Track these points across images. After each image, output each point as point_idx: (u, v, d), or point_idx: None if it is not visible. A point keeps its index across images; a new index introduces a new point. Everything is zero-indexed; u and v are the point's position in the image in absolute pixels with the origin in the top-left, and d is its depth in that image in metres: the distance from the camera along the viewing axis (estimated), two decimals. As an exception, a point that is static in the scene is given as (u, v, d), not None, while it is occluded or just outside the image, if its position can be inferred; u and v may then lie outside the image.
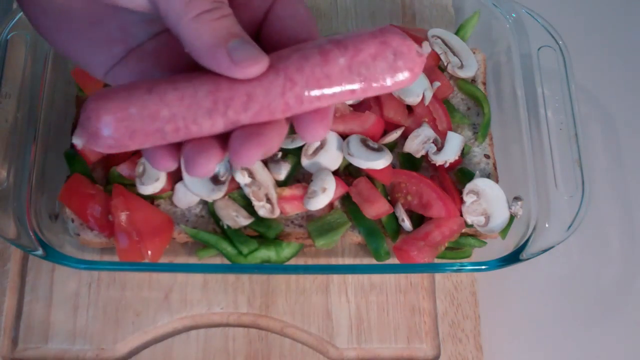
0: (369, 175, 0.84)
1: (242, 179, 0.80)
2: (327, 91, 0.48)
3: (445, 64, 0.92)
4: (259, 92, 0.48)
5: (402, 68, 0.49)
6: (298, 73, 0.48)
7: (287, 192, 0.82)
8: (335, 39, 0.49)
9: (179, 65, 0.52)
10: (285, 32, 0.52)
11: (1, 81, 0.83)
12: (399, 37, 0.49)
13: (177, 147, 0.51)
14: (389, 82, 0.49)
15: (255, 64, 0.47)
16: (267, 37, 0.52)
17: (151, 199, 0.84)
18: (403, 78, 0.49)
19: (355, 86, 0.49)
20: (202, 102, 0.48)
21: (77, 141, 0.49)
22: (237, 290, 0.87)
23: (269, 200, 0.81)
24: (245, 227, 0.82)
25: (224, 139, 0.50)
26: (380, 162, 0.82)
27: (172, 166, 0.51)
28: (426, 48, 0.49)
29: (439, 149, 0.86)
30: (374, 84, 0.49)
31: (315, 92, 0.48)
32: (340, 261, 0.89)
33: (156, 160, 0.51)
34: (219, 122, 0.48)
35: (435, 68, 0.92)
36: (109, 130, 0.48)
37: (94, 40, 0.52)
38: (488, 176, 0.88)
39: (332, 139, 0.85)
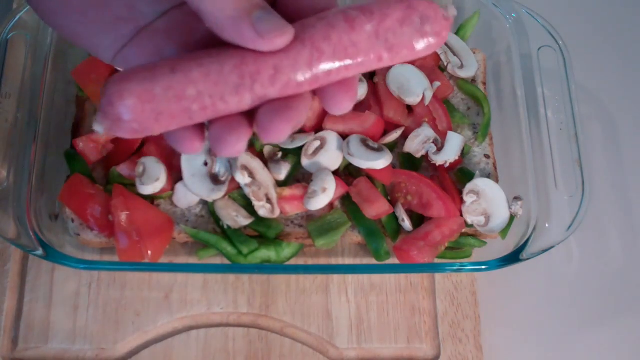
0: (369, 175, 0.84)
1: (242, 179, 0.80)
2: (355, 59, 0.47)
3: (446, 64, 0.92)
4: (286, 63, 0.46)
5: (429, 32, 0.47)
6: (325, 42, 0.46)
7: (287, 192, 0.82)
8: (359, 6, 0.48)
9: (192, 42, 0.50)
10: (302, 1, 0.50)
11: (1, 81, 0.83)
12: (425, 1, 0.48)
13: (201, 128, 0.49)
14: (417, 47, 0.48)
15: (282, 35, 0.46)
16: (284, 8, 0.50)
17: (151, 199, 0.84)
18: (430, 43, 0.48)
19: (383, 53, 0.47)
20: (229, 77, 0.46)
21: (98, 128, 0.46)
22: (237, 290, 0.87)
23: (269, 200, 0.81)
24: (245, 227, 0.82)
25: (250, 115, 0.48)
26: (380, 162, 0.82)
27: (199, 147, 0.50)
28: (452, 11, 0.48)
29: (439, 149, 0.86)
30: (402, 50, 0.48)
31: (343, 61, 0.47)
32: (340, 261, 0.89)
33: (182, 143, 0.49)
34: (246, 97, 0.47)
35: (435, 68, 0.92)
36: (133, 113, 0.46)
37: (101, 22, 0.50)
38: (488, 176, 0.88)
39: (332, 139, 0.85)
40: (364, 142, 0.84)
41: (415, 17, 0.47)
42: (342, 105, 0.49)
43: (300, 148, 0.84)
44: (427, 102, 0.87)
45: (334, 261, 0.89)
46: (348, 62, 0.47)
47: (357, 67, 0.48)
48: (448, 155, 0.85)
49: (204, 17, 0.46)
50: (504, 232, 0.84)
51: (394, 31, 0.47)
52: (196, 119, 0.47)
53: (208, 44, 0.48)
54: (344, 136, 0.85)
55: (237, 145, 0.48)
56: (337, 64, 0.47)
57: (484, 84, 0.95)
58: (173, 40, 0.50)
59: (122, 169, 0.83)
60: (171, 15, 0.51)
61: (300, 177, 0.86)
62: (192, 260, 0.87)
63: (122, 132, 0.47)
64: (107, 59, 0.52)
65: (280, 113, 0.47)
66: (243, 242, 0.82)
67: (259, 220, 0.82)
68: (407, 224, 0.83)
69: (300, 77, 0.47)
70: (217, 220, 0.83)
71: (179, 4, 0.48)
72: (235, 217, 0.81)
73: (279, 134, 0.47)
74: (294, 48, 0.46)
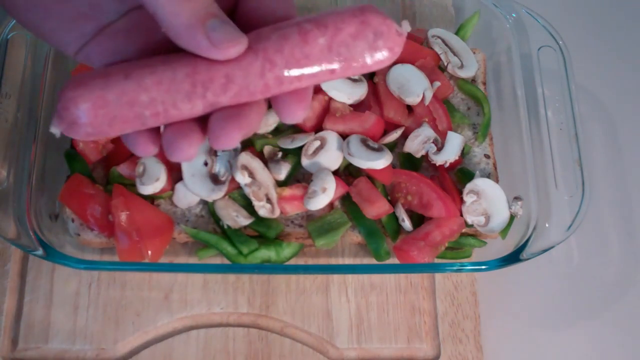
0: (369, 175, 0.84)
1: (242, 179, 0.80)
2: (307, 71, 0.48)
3: (445, 64, 0.92)
4: (238, 73, 0.47)
5: (381, 47, 0.48)
6: (277, 54, 0.47)
7: (287, 192, 0.82)
8: (315, 18, 0.49)
9: (152, 43, 0.51)
10: (262, 10, 0.51)
11: (1, 81, 0.83)
12: (379, 17, 0.48)
13: (157, 132, 0.51)
14: (368, 61, 0.49)
15: (235, 45, 0.46)
16: (243, 16, 0.51)
17: (151, 199, 0.84)
18: (383, 57, 0.49)
19: (335, 66, 0.48)
20: (181, 85, 0.47)
21: (55, 130, 0.48)
22: (237, 290, 0.87)
23: (269, 200, 0.81)
24: (245, 227, 0.82)
25: (203, 121, 0.49)
26: (380, 162, 0.82)
27: (153, 151, 0.51)
28: (406, 27, 0.49)
29: (439, 149, 0.86)
30: (354, 64, 0.49)
31: (295, 73, 0.48)
32: (340, 261, 0.89)
33: (137, 145, 0.51)
34: (198, 104, 0.48)
35: (435, 68, 0.92)
36: (87, 118, 0.47)
37: (64, 18, 0.51)
38: (488, 176, 0.88)
39: (332, 139, 0.85)
40: (364, 142, 0.84)
41: (369, 32, 0.48)
42: (295, 115, 0.50)
43: (300, 148, 0.84)
44: (427, 102, 0.87)
45: (334, 261, 0.89)
46: (300, 73, 0.48)
47: (309, 78, 0.49)
48: (448, 155, 0.85)
49: (160, 22, 0.47)
50: (504, 232, 0.84)
51: (346, 45, 0.48)
52: (149, 124, 0.48)
53: (168, 46, 0.49)
54: (344, 136, 0.85)
55: (188, 151, 0.49)
56: (288, 76, 0.48)
57: (484, 84, 0.95)
58: (133, 40, 0.51)
59: (122, 169, 0.83)
60: (132, 15, 0.51)
61: (300, 177, 0.86)
62: (192, 260, 0.87)
63: (77, 135, 0.48)
64: (69, 54, 0.52)
65: (230, 120, 0.48)
66: (243, 242, 0.82)
67: (259, 220, 0.82)
68: (407, 224, 0.83)
69: (252, 87, 0.48)
70: (217, 220, 0.83)
71: (140, 5, 0.48)
72: (235, 217, 0.81)
73: (229, 141, 0.48)
74: (246, 58, 0.47)
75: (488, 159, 0.90)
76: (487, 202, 0.84)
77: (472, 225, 0.84)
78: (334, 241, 0.84)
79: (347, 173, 0.86)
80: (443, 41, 0.93)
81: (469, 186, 0.84)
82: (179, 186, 0.83)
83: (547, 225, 0.82)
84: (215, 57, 0.47)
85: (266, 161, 0.84)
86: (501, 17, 0.93)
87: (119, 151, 0.85)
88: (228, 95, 0.48)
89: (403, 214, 0.83)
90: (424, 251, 0.80)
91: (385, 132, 0.87)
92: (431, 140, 0.85)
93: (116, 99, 0.47)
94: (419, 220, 0.85)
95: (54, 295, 0.86)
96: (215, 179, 0.82)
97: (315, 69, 0.48)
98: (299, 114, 0.50)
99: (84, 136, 0.48)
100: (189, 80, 0.47)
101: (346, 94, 0.86)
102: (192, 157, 0.49)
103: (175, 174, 0.83)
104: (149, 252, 0.80)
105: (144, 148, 0.51)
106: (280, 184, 0.83)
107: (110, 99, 0.47)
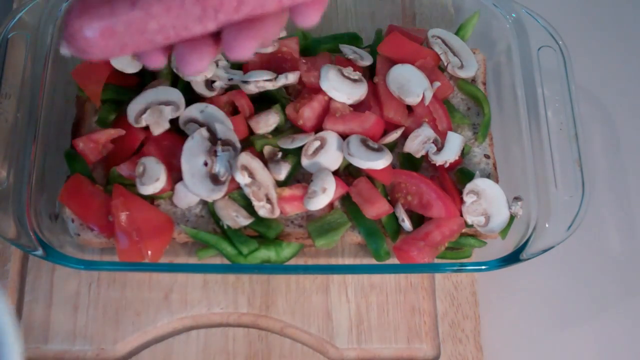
0: (369, 175, 0.84)
1: (242, 179, 0.80)
2: None
3: (445, 64, 0.92)
4: None
5: None
6: None
7: (287, 192, 0.82)
8: None
9: None
10: None
11: (1, 81, 0.83)
12: None
13: (168, 45, 0.50)
14: None
15: None
16: None
17: (151, 199, 0.84)
18: None
19: None
20: (191, 10, 0.46)
21: (65, 52, 0.48)
22: (237, 290, 0.87)
23: (269, 200, 0.81)
24: (245, 227, 0.82)
25: (217, 35, 0.49)
26: (380, 162, 0.82)
27: (163, 62, 0.51)
28: None
29: (439, 149, 0.86)
30: None
31: None
32: (340, 261, 0.89)
33: (147, 57, 0.50)
34: (210, 25, 0.47)
35: (435, 68, 0.92)
36: (96, 46, 0.47)
37: None
38: (488, 176, 0.88)
39: (332, 139, 0.85)
40: (364, 142, 0.84)
41: None
42: (311, 19, 0.49)
43: (300, 148, 0.84)
44: (427, 102, 0.87)
45: (334, 261, 0.89)
46: None
47: None
48: (448, 155, 0.85)
49: None
50: (504, 232, 0.84)
51: None
52: (160, 44, 0.48)
53: None
54: (344, 136, 0.85)
55: (200, 64, 0.48)
56: None
57: (484, 84, 0.95)
58: None
59: (122, 169, 0.83)
60: None
61: (300, 177, 0.86)
62: (192, 260, 0.87)
63: (87, 57, 0.48)
64: None
65: (244, 30, 0.47)
66: (243, 242, 0.82)
67: (259, 220, 0.82)
68: (407, 224, 0.83)
69: (267, 6, 0.47)
70: (217, 220, 0.83)
71: None
72: (235, 217, 0.81)
73: (244, 50, 0.47)
74: None
75: (488, 159, 0.90)
76: (487, 202, 0.84)
77: (472, 226, 0.84)
78: (334, 241, 0.84)
79: (347, 173, 0.86)
80: (443, 41, 0.93)
81: (469, 186, 0.84)
82: (179, 186, 0.83)
83: (547, 225, 0.82)
84: None
85: (266, 161, 0.84)
86: (501, 17, 0.93)
87: (119, 151, 0.85)
88: (241, 14, 0.47)
89: (403, 214, 0.83)
90: (424, 251, 0.80)
91: (385, 132, 0.87)
92: (431, 141, 0.85)
93: (124, 28, 0.46)
94: (419, 220, 0.85)
95: (54, 295, 0.86)
96: (215, 179, 0.82)
97: None
98: (315, 18, 0.49)
99: (95, 59, 0.48)
100: (199, 5, 0.46)
101: (346, 94, 0.86)
102: (203, 70, 0.49)
103: (175, 174, 0.83)
104: (149, 252, 0.80)
105: (155, 59, 0.50)
106: (280, 184, 0.83)
107: (118, 29, 0.46)
